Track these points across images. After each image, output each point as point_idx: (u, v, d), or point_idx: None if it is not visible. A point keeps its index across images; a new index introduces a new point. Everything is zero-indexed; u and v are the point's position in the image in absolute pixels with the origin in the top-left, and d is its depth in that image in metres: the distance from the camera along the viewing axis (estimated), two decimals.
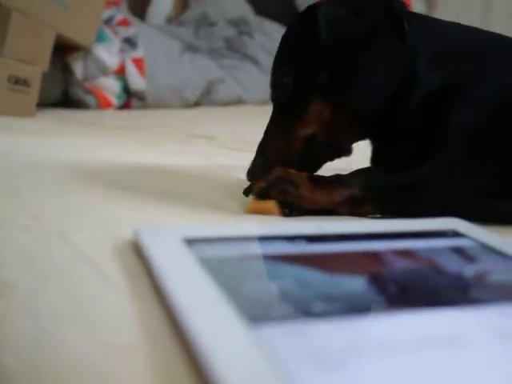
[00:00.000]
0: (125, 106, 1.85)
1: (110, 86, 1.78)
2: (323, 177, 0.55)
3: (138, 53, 1.83)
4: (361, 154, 0.62)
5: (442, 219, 0.44)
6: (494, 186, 0.53)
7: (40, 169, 0.65)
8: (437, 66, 0.55)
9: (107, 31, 1.78)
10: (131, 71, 1.80)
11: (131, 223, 0.38)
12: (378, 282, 0.31)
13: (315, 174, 0.59)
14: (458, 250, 0.38)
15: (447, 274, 0.34)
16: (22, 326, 0.26)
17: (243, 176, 0.61)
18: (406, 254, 0.37)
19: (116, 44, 1.79)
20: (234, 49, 2.27)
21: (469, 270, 0.35)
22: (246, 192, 0.56)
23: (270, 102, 0.63)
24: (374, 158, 0.62)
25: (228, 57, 2.21)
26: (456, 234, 0.41)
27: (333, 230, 0.40)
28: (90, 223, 0.42)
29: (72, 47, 1.66)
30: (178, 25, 2.42)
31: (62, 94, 1.75)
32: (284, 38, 0.62)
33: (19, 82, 1.38)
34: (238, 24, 2.37)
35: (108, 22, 1.81)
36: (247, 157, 0.62)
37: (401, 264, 0.35)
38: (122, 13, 1.91)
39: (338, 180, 0.54)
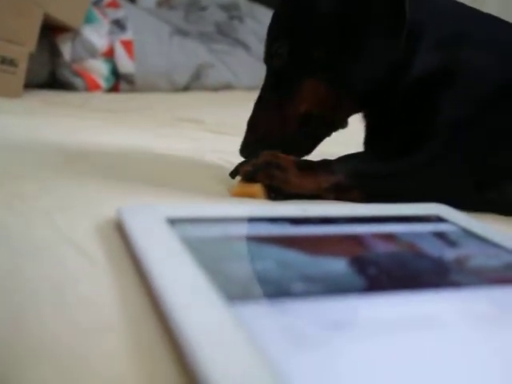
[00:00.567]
0: (113, 88, 1.83)
1: (99, 69, 1.76)
2: (311, 162, 0.55)
3: (127, 35, 1.81)
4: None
5: (426, 204, 0.44)
6: (479, 176, 0.53)
7: (25, 149, 0.64)
8: (436, 48, 0.54)
9: (96, 12, 1.76)
10: (120, 54, 1.78)
11: (115, 203, 0.38)
12: (359, 264, 0.32)
13: (304, 158, 0.59)
14: (440, 235, 0.38)
15: (428, 257, 0.34)
16: None
17: (231, 160, 0.60)
18: (388, 237, 0.37)
19: (105, 26, 1.77)
20: (224, 33, 2.25)
21: (449, 255, 0.35)
22: (233, 174, 0.56)
23: (260, 86, 0.63)
24: (367, 141, 0.61)
25: (218, 41, 2.19)
26: (439, 219, 0.42)
27: (317, 213, 0.40)
28: (73, 203, 0.42)
29: (60, 28, 1.64)
30: (168, 8, 2.39)
31: (50, 75, 1.73)
32: (281, 4, 0.60)
33: (6, 61, 1.36)
34: (229, 8, 2.35)
35: (97, 3, 1.79)
36: (235, 141, 0.62)
37: (382, 247, 0.35)
38: None
39: (324, 166, 0.54)
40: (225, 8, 2.35)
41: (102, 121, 1.09)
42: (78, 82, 1.73)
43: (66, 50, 1.68)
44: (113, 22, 1.80)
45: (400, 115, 0.56)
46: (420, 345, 0.24)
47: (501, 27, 0.59)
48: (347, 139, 0.63)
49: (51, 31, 1.64)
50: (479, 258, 0.36)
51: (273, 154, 0.53)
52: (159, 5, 2.54)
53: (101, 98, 1.59)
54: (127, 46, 1.80)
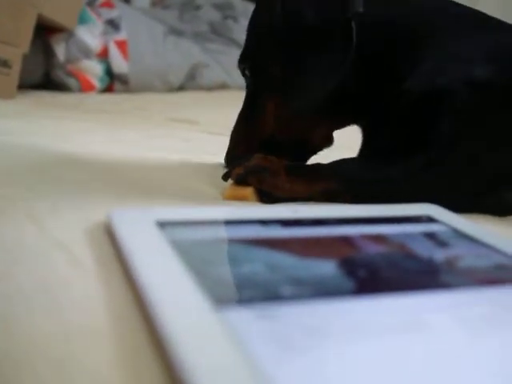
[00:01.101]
0: (107, 89, 1.82)
1: (93, 69, 1.75)
2: (302, 166, 0.55)
3: (122, 35, 1.81)
4: None
5: (417, 205, 0.44)
6: (467, 188, 0.52)
7: (16, 151, 0.64)
8: (436, 59, 0.53)
9: (90, 12, 1.76)
10: (114, 54, 1.78)
11: (105, 207, 0.38)
12: (349, 266, 0.32)
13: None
14: (431, 236, 0.38)
15: (418, 258, 0.34)
16: None
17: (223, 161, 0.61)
18: (378, 238, 0.37)
19: (99, 26, 1.76)
20: (218, 33, 2.24)
21: (440, 255, 0.35)
22: (225, 177, 0.56)
23: None
24: (362, 150, 0.61)
25: (213, 41, 2.19)
26: (430, 220, 0.42)
27: (308, 215, 0.40)
28: (63, 206, 0.41)
29: (54, 29, 1.64)
30: (162, 8, 2.39)
31: (44, 76, 1.72)
32: (249, 23, 0.61)
33: None
34: (223, 8, 2.34)
35: (91, 3, 1.78)
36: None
37: (372, 248, 0.35)
38: None
39: (316, 170, 0.53)
40: (219, 7, 2.35)
41: (95, 122, 1.08)
42: (72, 82, 1.72)
43: (60, 50, 1.68)
44: (107, 22, 1.79)
45: (396, 123, 0.55)
46: (410, 348, 0.24)
47: (503, 36, 0.58)
48: (344, 142, 0.63)
49: (45, 32, 1.63)
50: (470, 258, 0.36)
51: (264, 158, 0.53)
52: (153, 4, 2.54)
53: (95, 99, 1.58)
54: (121, 46, 1.80)
